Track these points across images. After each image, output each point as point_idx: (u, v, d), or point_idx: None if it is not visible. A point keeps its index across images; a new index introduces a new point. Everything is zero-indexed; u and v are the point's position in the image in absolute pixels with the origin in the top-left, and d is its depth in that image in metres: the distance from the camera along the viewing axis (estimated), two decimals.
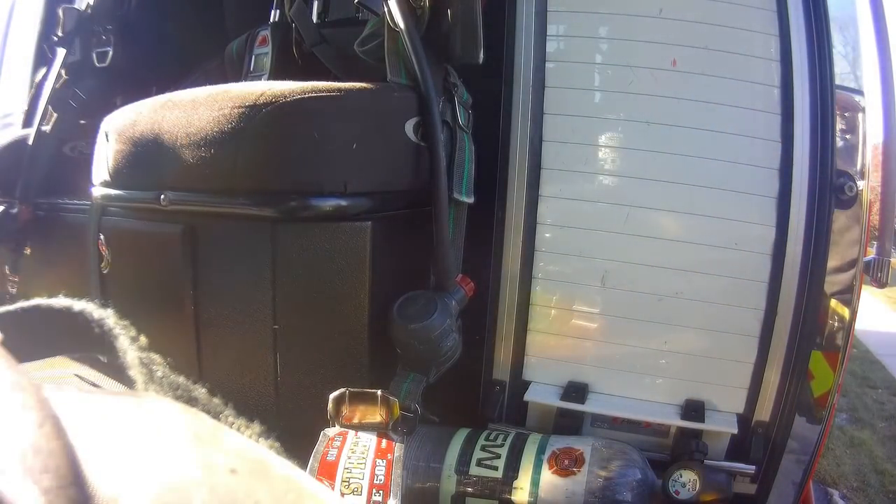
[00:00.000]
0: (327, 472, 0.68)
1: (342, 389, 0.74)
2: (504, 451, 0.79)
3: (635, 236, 0.90)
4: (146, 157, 0.86)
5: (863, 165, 0.88)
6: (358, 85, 0.82)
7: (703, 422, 0.87)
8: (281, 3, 1.24)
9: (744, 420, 0.89)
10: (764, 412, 0.89)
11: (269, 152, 0.77)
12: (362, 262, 0.80)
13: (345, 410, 0.74)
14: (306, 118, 0.76)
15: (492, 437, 0.82)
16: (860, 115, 0.90)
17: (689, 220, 0.89)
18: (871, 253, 0.92)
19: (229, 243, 0.83)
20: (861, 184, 0.87)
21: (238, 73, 1.27)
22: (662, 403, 0.91)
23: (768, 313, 0.88)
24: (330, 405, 0.74)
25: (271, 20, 1.26)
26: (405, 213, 0.85)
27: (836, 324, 0.89)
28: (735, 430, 0.87)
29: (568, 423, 0.91)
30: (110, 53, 1.35)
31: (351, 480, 0.67)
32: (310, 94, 0.77)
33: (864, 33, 0.93)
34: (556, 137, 0.92)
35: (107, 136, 0.93)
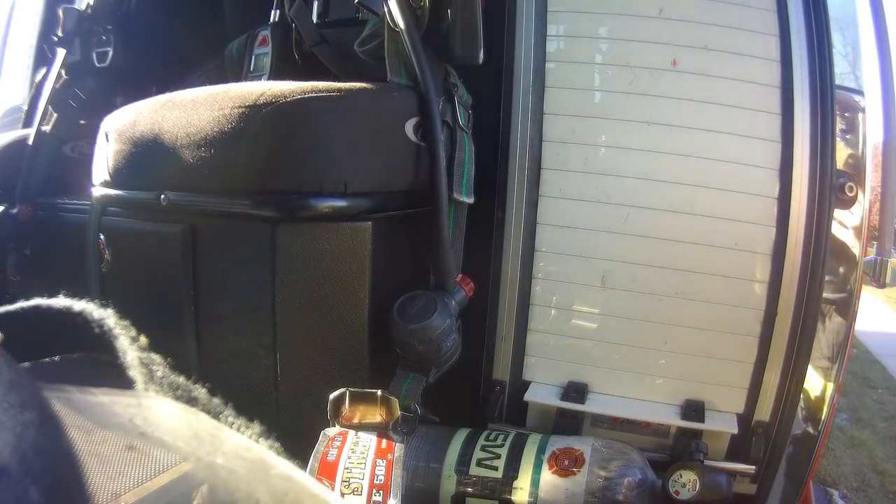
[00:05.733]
0: (327, 472, 0.68)
1: (342, 389, 0.74)
2: (504, 451, 0.79)
3: (635, 236, 0.90)
4: (146, 157, 0.86)
5: (863, 165, 0.88)
6: (358, 85, 0.82)
7: (703, 422, 0.87)
8: (281, 3, 1.23)
9: (744, 420, 0.89)
10: (764, 412, 0.89)
11: (269, 152, 0.77)
12: (362, 262, 0.80)
13: (345, 410, 0.74)
14: (306, 118, 0.76)
15: (492, 437, 0.82)
16: (860, 115, 0.90)
17: (689, 220, 0.89)
18: (871, 253, 0.92)
19: (229, 243, 0.83)
20: (861, 184, 0.87)
21: (238, 73, 1.27)
22: (662, 403, 0.91)
23: (768, 313, 0.88)
24: (330, 405, 0.74)
25: (271, 20, 1.26)
26: (405, 213, 0.85)
27: (836, 324, 0.89)
28: (735, 430, 0.87)
29: (568, 423, 0.91)
30: (110, 53, 1.35)
31: (351, 480, 0.67)
32: (310, 94, 0.77)
33: (864, 33, 0.93)
34: (556, 137, 0.92)
35: (107, 136, 0.93)
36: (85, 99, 1.32)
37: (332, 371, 0.81)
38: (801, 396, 0.88)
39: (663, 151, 0.89)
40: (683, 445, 0.86)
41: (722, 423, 0.88)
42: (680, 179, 0.89)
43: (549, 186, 0.93)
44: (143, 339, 0.60)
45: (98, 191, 0.96)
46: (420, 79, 0.82)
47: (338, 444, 0.71)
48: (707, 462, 0.83)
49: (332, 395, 0.74)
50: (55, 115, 1.31)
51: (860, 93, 0.92)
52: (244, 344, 0.83)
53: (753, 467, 0.87)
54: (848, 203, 0.86)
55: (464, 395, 0.97)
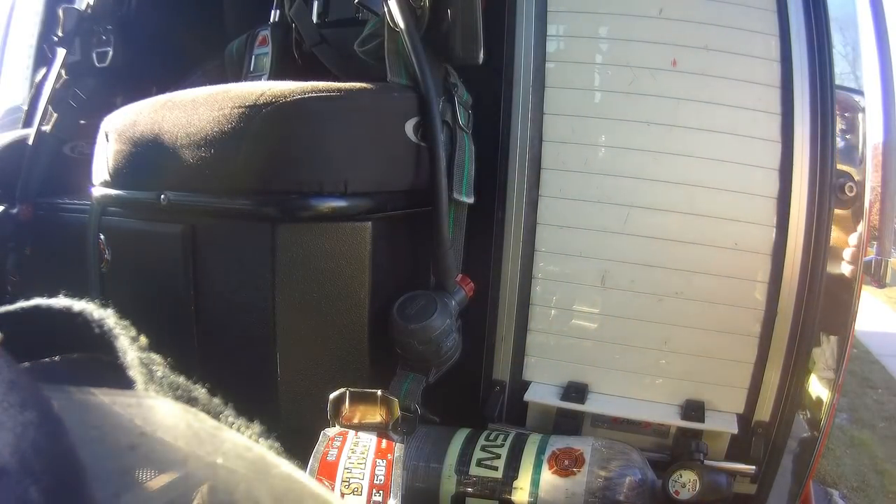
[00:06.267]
0: (327, 472, 0.68)
1: (342, 389, 0.74)
2: (504, 452, 0.79)
3: (635, 236, 0.90)
4: (146, 157, 0.86)
5: (863, 165, 0.88)
6: (358, 85, 0.82)
7: (703, 422, 0.87)
8: (281, 3, 1.23)
9: (744, 420, 0.89)
10: (764, 412, 0.89)
11: (269, 152, 0.77)
12: (362, 262, 0.80)
13: (345, 410, 0.74)
14: (306, 118, 0.76)
15: (492, 437, 0.82)
16: (860, 115, 0.90)
17: (689, 220, 0.89)
18: (871, 253, 0.92)
19: (229, 243, 0.83)
20: (861, 184, 0.87)
21: (238, 73, 1.27)
22: (662, 403, 0.91)
23: (768, 313, 0.88)
24: (330, 405, 0.74)
25: (271, 20, 1.26)
26: (405, 213, 0.85)
27: (836, 324, 0.89)
28: (735, 430, 0.87)
29: (568, 423, 0.91)
30: (110, 53, 1.35)
31: (351, 480, 0.67)
32: (310, 94, 0.77)
33: (864, 33, 0.93)
34: (556, 137, 0.92)
35: (107, 136, 0.93)
36: (85, 99, 1.32)
37: (332, 371, 0.81)
38: (801, 396, 0.88)
39: (663, 151, 0.89)
40: (683, 445, 0.86)
41: (722, 423, 0.88)
42: (680, 179, 0.89)
43: (549, 186, 0.93)
44: (143, 339, 0.60)
45: (98, 191, 0.96)
46: (420, 79, 0.82)
47: (338, 444, 0.71)
48: (707, 462, 0.83)
49: (332, 395, 0.74)
50: (55, 115, 1.31)
51: (860, 93, 0.92)
52: (244, 344, 0.83)
53: (753, 467, 0.87)
54: (848, 203, 0.86)
55: (464, 395, 0.97)
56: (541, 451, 0.78)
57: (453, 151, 0.86)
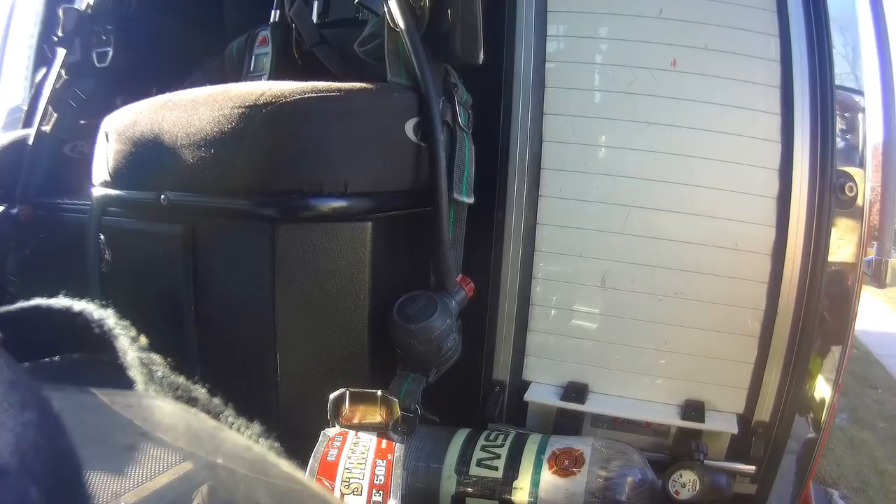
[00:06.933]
0: (327, 472, 0.68)
1: (342, 389, 0.74)
2: (504, 452, 0.79)
3: (635, 236, 0.90)
4: (146, 157, 0.86)
5: (863, 165, 0.88)
6: (358, 85, 0.82)
7: (703, 422, 0.88)
8: (281, 3, 1.23)
9: (744, 420, 0.89)
10: (764, 412, 0.89)
11: (269, 152, 0.77)
12: (362, 262, 0.80)
13: (345, 410, 0.74)
14: (306, 118, 0.76)
15: (492, 437, 0.82)
16: (860, 115, 0.90)
17: (689, 220, 0.89)
18: (871, 253, 0.92)
19: (229, 243, 0.83)
20: (861, 184, 0.87)
21: (238, 73, 1.27)
22: (662, 403, 0.92)
23: (768, 313, 0.88)
24: (330, 405, 0.74)
25: (271, 20, 1.26)
26: (405, 213, 0.85)
27: (836, 324, 0.89)
28: (735, 430, 0.87)
29: (568, 423, 0.91)
30: (110, 53, 1.35)
31: (351, 480, 0.67)
32: (310, 94, 0.77)
33: (864, 33, 0.93)
34: (556, 137, 0.92)
35: (107, 136, 0.93)
36: (85, 99, 1.32)
37: (332, 371, 0.81)
38: (801, 396, 0.88)
39: (663, 151, 0.89)
40: (683, 445, 0.86)
41: (722, 423, 0.88)
42: (680, 179, 0.89)
43: (549, 186, 0.93)
44: (143, 339, 0.60)
45: (98, 191, 0.96)
46: (420, 79, 0.82)
47: (338, 444, 0.71)
48: (707, 462, 0.83)
49: (332, 395, 0.74)
50: (55, 115, 1.31)
51: (860, 93, 0.92)
52: (244, 344, 0.83)
53: (753, 467, 0.87)
54: (848, 203, 0.86)
55: (464, 395, 0.97)
56: (541, 451, 0.78)
57: (453, 151, 0.86)
